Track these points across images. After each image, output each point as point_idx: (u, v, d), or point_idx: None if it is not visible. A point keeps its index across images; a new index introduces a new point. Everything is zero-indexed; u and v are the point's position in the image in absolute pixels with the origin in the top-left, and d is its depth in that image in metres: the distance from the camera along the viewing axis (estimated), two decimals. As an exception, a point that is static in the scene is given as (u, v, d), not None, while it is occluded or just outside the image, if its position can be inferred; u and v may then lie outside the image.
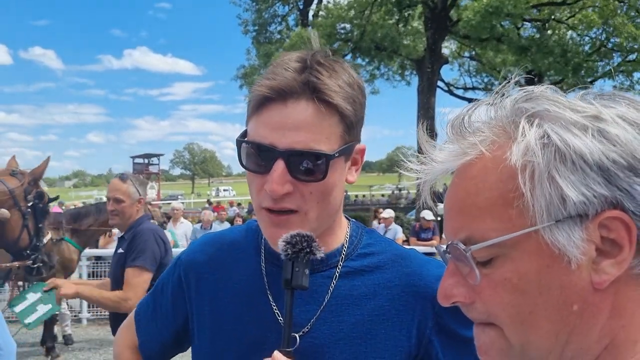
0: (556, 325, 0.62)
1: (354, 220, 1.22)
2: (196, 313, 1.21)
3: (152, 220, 3.97)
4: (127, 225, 3.51)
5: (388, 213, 11.39)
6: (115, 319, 3.30)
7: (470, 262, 0.65)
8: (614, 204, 0.59)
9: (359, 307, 1.09)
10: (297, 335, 1.07)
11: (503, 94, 0.69)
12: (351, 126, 1.04)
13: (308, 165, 1.00)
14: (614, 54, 20.10)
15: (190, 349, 1.28)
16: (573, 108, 0.62)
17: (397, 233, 10.67)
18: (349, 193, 44.48)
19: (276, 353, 0.97)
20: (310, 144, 0.99)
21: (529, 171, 0.61)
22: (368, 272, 1.13)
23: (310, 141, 0.99)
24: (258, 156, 1.02)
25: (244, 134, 1.06)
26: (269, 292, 1.14)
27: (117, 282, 3.34)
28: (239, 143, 1.05)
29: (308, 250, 0.99)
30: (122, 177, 3.57)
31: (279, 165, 0.98)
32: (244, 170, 1.06)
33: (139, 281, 3.23)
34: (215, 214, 15.24)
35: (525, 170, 0.61)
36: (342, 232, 1.17)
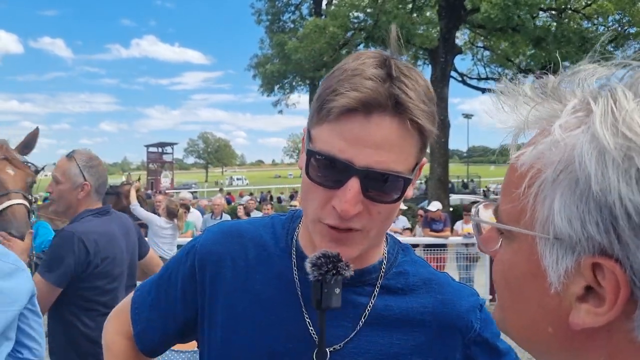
0: (531, 335, 0.60)
1: (390, 234, 1.18)
2: (208, 309, 1.14)
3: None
4: (67, 217, 2.85)
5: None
6: None
7: (493, 232, 0.65)
8: (609, 253, 0.50)
9: (390, 330, 1.07)
10: (327, 351, 1.04)
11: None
12: (426, 145, 0.98)
13: (384, 187, 0.93)
14: (631, 43, 19.77)
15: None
16: (623, 130, 0.49)
17: (399, 223, 10.43)
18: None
19: None
20: (390, 165, 0.91)
21: (534, 175, 0.54)
22: (402, 294, 1.09)
23: (390, 162, 0.91)
24: (330, 170, 0.93)
25: (309, 137, 0.98)
26: (302, 303, 1.07)
27: None
28: (310, 154, 0.96)
29: (334, 271, 0.94)
30: (69, 155, 2.85)
31: (354, 185, 0.90)
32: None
33: (40, 295, 2.36)
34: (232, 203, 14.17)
35: (529, 173, 0.55)
36: (382, 247, 1.12)
